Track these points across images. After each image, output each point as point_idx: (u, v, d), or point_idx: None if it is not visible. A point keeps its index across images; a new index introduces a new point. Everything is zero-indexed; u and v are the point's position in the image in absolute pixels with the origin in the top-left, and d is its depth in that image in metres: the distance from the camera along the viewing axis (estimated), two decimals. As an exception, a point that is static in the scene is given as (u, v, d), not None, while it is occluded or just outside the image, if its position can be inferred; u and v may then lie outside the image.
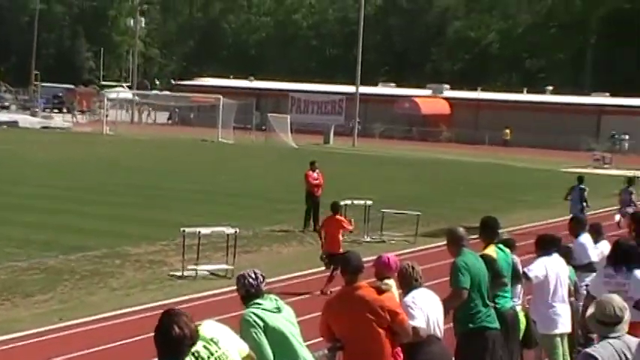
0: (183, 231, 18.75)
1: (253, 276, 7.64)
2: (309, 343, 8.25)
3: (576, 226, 12.93)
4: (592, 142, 74.54)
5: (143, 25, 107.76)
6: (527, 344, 11.01)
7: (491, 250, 10.39)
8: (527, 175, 49.34)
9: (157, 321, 5.20)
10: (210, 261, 19.64)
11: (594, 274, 12.68)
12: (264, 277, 7.71)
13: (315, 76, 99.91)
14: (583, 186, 27.26)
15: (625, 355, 6.02)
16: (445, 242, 10.09)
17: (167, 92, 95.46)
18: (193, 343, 5.40)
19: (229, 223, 20.49)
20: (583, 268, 12.50)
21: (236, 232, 19.43)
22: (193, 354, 5.75)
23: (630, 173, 40.73)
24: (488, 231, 10.60)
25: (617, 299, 6.40)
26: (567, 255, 11.80)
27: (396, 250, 21.80)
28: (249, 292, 7.62)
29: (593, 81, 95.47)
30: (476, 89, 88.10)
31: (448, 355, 9.05)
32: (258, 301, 7.55)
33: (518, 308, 10.88)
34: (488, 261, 10.10)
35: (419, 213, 25.11)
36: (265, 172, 44.32)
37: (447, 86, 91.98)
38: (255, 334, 7.36)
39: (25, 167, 40.66)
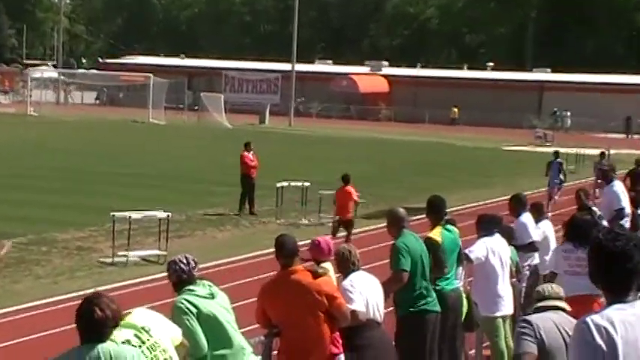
0: (113, 216, 18.58)
1: (185, 261, 7.61)
2: (244, 329, 8.24)
3: (517, 205, 13.03)
4: (534, 120, 75.45)
5: (68, 0, 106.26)
6: (468, 327, 11.14)
7: (437, 233, 10.44)
8: (469, 154, 49.79)
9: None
10: (142, 247, 19.52)
11: (536, 253, 12.91)
12: (196, 263, 7.68)
13: (249, 53, 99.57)
14: (560, 160, 29.95)
15: (566, 331, 6.14)
16: (385, 224, 10.14)
17: (94, 71, 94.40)
18: (116, 324, 5.44)
19: (161, 207, 20.35)
20: (525, 248, 12.65)
21: (168, 216, 19.33)
22: (124, 343, 5.73)
23: (572, 151, 41.35)
24: (436, 210, 10.66)
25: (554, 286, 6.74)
26: (509, 235, 11.92)
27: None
28: (181, 278, 7.59)
29: (535, 57, 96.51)
30: (415, 66, 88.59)
31: (388, 340, 9.10)
32: (190, 287, 7.53)
33: (460, 290, 10.98)
34: (433, 246, 10.17)
35: (358, 194, 25.14)
36: (198, 153, 44.11)
37: (386, 63, 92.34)
38: (188, 321, 7.33)
39: (-55, 151, 39.93)
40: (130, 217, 18.75)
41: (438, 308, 9.91)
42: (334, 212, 20.70)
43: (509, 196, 13.52)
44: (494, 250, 11.08)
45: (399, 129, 68.87)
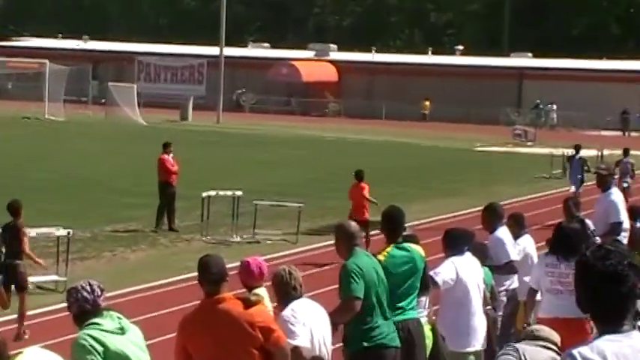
0: (1, 233, 18.39)
1: (89, 289, 7.56)
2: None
3: (491, 217, 13.05)
4: (512, 114, 76.04)
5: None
6: (434, 365, 11.18)
7: (385, 253, 10.42)
8: (434, 157, 50.07)
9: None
10: (36, 271, 19.34)
11: (515, 276, 12.96)
12: (102, 290, 7.63)
13: (168, 35, 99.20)
14: (581, 155, 31.99)
15: None
16: (334, 241, 10.16)
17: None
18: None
19: (60, 223, 20.20)
20: (501, 269, 12.67)
21: (69, 233, 19.21)
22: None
23: (558, 152, 41.78)
24: (392, 224, 10.66)
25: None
26: (482, 253, 11.98)
27: (273, 252, 21.86)
28: (83, 309, 7.53)
29: (512, 38, 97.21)
30: (370, 50, 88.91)
31: (337, 382, 9.13)
32: (95, 320, 7.48)
33: (423, 320, 11.02)
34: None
35: (301, 204, 25.21)
36: (106, 156, 43.86)
37: (334, 46, 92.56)
38: (92, 361, 7.29)
39: None
40: (21, 235, 18.55)
41: (397, 343, 9.95)
42: (349, 214, 21.75)
43: (482, 207, 13.60)
44: (464, 271, 11.12)
45: (351, 126, 69.06)
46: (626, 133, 72.73)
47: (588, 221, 15.28)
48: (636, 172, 32.76)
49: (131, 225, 25.85)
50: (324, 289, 14.05)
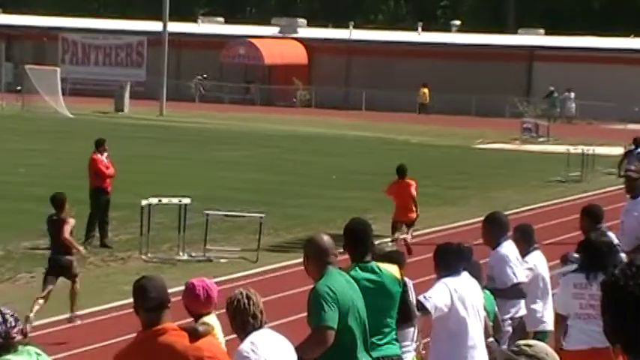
0: None
1: (1, 319, 7.55)
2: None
3: (494, 229, 13.04)
4: (521, 104, 76.13)
5: None
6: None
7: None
8: (425, 156, 50.10)
9: None
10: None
11: (522, 301, 12.95)
12: (17, 320, 7.62)
13: (100, 7, 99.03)
14: None
15: None
16: (302, 259, 10.16)
17: None
18: None
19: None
20: (506, 293, 12.69)
21: (-23, 250, 19.17)
22: None
23: (576, 150, 41.91)
24: (355, 241, 10.64)
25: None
26: (479, 274, 12.00)
27: (228, 272, 21.86)
28: (-6, 343, 7.53)
29: (520, 13, 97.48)
30: (347, 26, 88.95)
31: None
32: (8, 357, 7.48)
33: (411, 356, 11.04)
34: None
35: (262, 215, 25.19)
36: (24, 156, 43.71)
37: (303, 21, 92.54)
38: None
39: None
40: None
41: (379, 383, 9.96)
42: (392, 216, 22.98)
43: (483, 217, 13.62)
44: (461, 296, 11.14)
45: (324, 118, 69.06)
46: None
47: (611, 234, 15.26)
48: None
49: (54, 240, 25.75)
50: (289, 317, 14.06)
